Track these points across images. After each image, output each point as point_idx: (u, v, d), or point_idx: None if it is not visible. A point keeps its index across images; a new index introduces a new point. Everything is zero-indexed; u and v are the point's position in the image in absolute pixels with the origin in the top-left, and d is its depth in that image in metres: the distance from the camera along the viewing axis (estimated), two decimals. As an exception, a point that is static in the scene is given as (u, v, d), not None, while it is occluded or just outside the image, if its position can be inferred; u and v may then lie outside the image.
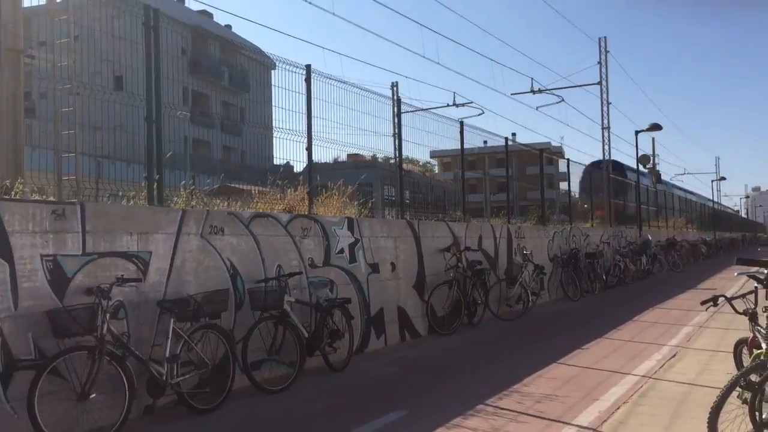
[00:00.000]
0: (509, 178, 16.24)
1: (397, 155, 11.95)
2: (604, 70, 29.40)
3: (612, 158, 30.62)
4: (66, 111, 7.88)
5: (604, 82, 29.37)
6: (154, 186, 7.15)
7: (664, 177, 44.98)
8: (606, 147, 29.41)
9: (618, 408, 6.28)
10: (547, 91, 27.99)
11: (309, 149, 9.45)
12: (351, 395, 7.31)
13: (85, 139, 8.21)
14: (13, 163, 7.12)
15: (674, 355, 8.76)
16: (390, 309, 10.32)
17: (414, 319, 10.88)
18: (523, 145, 21.04)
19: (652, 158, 41.06)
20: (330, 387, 7.63)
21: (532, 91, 27.84)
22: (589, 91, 31.43)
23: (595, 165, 28.26)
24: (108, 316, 5.75)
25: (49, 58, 8.07)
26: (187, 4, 33.70)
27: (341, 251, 9.50)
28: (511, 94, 29.18)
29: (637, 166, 32.45)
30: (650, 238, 24.83)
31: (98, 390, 5.61)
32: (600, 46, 29.67)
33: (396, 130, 12.05)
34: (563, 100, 28.37)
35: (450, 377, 8.10)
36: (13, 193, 5.95)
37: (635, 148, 31.38)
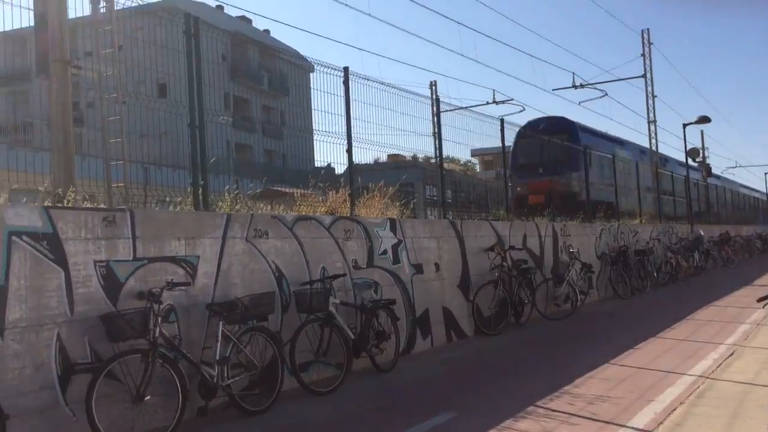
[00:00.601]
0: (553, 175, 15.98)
1: (438, 155, 11.89)
2: (648, 62, 28.72)
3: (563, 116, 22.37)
4: (113, 120, 8.04)
5: (648, 75, 28.68)
6: (200, 191, 7.25)
7: (714, 170, 43.52)
8: (653, 141, 28.71)
9: (674, 409, 6.09)
10: (590, 86, 27.49)
11: (349, 151, 9.48)
12: (399, 397, 7.27)
13: (133, 147, 8.37)
14: (64, 171, 7.30)
15: (731, 354, 8.46)
16: (435, 309, 10.26)
17: (460, 319, 10.79)
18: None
19: (701, 151, 39.89)
20: (377, 388, 7.62)
21: (574, 86, 27.37)
22: (633, 84, 30.76)
23: (533, 127, 19.76)
24: (160, 319, 5.84)
25: (95, 68, 8.24)
26: (226, 11, 34.20)
27: (384, 252, 9.48)
28: (553, 90, 28.61)
29: (686, 159, 31.38)
30: (702, 233, 24.13)
31: (152, 392, 5.71)
32: (643, 38, 29.01)
33: (436, 130, 11.98)
34: (606, 94, 27.81)
35: (498, 378, 7.99)
36: (65, 201, 6.11)
37: (683, 142, 30.57)
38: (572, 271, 13.77)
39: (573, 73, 31.09)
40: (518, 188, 17.10)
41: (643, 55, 28.82)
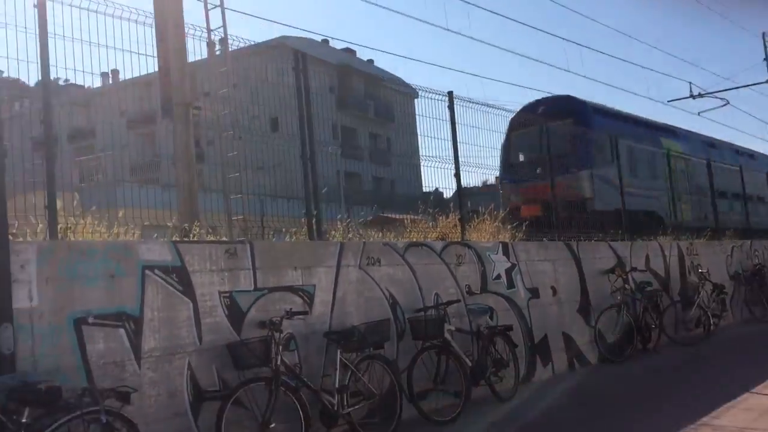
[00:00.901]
0: (673, 192, 15.01)
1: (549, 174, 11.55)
2: (772, 65, 26.68)
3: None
4: (231, 155, 8.42)
5: (774, 79, 26.62)
6: (313, 221, 7.40)
7: None
8: (783, 149, 26.51)
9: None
10: (709, 95, 25.89)
11: (457, 175, 9.42)
12: (522, 427, 7.01)
13: (249, 180, 8.73)
14: (189, 206, 7.72)
15: None
16: (554, 335, 9.87)
17: (581, 345, 10.31)
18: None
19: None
20: (499, 418, 7.37)
21: (692, 96, 25.88)
22: (756, 90, 28.43)
23: (530, 110, 14.91)
24: (281, 348, 5.97)
25: (213, 107, 8.70)
26: (331, 44, 35.41)
27: (498, 277, 9.26)
28: (668, 102, 27.12)
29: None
30: None
31: (276, 419, 5.80)
32: (765, 40, 27.03)
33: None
34: (728, 102, 26.05)
35: (628, 408, 7.51)
36: (191, 235, 6.42)
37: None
38: (702, 292, 12.83)
39: (689, 83, 29.38)
40: (511, 196, 12.75)
41: (765, 59, 26.85)
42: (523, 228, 10.24)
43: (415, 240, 8.52)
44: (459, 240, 9.08)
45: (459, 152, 9.39)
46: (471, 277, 8.84)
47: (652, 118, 19.08)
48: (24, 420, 4.24)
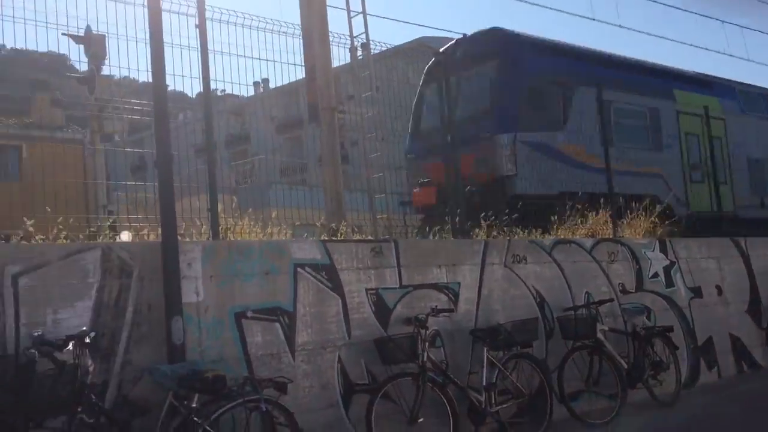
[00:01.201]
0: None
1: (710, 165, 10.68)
2: None
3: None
4: (374, 156, 8.62)
5: None
6: (457, 219, 7.37)
7: None
8: None
9: None
10: None
11: (608, 169, 8.97)
12: (685, 435, 6.52)
13: (391, 179, 8.88)
14: (335, 206, 8.00)
15: None
16: (720, 337, 9.12)
17: (751, 348, 9.46)
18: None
19: None
20: (659, 423, 6.96)
21: None
22: None
23: (450, 55, 9.10)
24: (426, 344, 6.00)
25: (356, 110, 8.95)
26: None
27: (655, 275, 8.71)
28: None
29: None
30: None
31: (424, 415, 5.83)
32: None
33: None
34: None
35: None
36: (338, 234, 6.64)
37: None
38: None
39: None
40: (417, 177, 9.58)
41: None
42: (683, 224, 9.37)
43: (562, 237, 8.22)
44: (611, 237, 8.64)
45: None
46: (625, 275, 8.41)
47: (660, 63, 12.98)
48: (193, 405, 4.60)
